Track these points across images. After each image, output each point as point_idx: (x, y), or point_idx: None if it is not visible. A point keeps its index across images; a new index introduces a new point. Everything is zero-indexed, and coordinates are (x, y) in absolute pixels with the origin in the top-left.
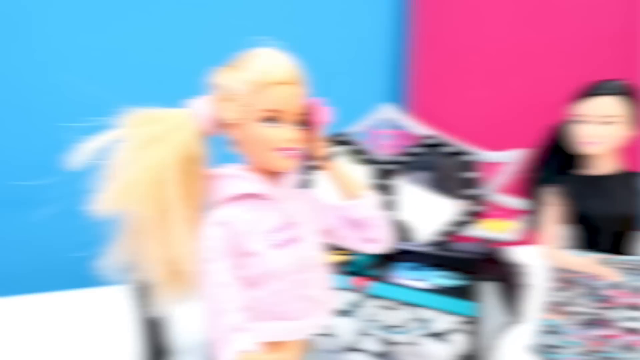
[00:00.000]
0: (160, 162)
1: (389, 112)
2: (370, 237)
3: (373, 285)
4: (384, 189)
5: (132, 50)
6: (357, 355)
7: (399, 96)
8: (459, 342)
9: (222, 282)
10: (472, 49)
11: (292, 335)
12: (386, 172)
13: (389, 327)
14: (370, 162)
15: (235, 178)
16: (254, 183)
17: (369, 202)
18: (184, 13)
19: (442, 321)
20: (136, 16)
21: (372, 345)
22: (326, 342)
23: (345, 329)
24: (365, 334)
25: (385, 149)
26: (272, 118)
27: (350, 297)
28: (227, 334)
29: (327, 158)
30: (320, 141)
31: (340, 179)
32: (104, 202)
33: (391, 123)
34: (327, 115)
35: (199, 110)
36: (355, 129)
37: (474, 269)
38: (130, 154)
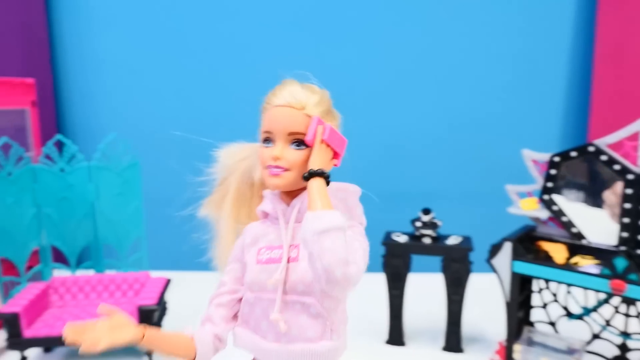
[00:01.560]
0: (226, 185)
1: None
2: (316, 267)
3: (630, 288)
4: (635, 199)
5: None
6: (590, 358)
7: (584, 115)
8: None
9: (222, 280)
10: None
11: (262, 355)
12: (637, 183)
13: (628, 333)
14: (622, 172)
15: (266, 198)
16: (270, 203)
17: (311, 228)
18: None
19: None
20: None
21: (607, 349)
22: (558, 343)
23: (581, 330)
24: (600, 337)
25: (636, 160)
26: (267, 139)
27: (591, 299)
28: (202, 320)
29: (308, 176)
30: (313, 159)
31: (310, 198)
32: (203, 208)
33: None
34: (324, 134)
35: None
36: (607, 139)
37: None
38: (219, 176)
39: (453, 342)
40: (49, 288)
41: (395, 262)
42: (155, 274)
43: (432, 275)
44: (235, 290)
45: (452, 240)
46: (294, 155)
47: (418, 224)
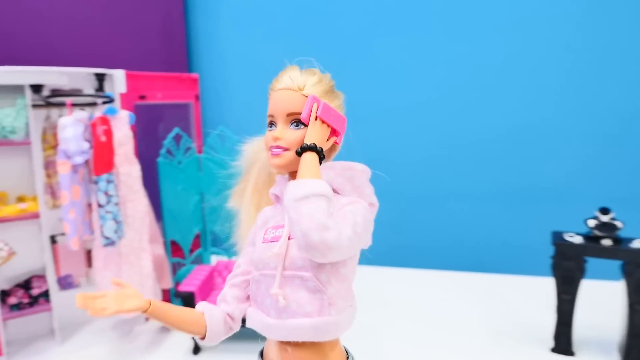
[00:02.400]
0: (248, 174)
1: None
2: (295, 232)
3: None
4: None
5: None
6: None
7: None
8: None
9: (237, 262)
10: None
11: (266, 332)
12: None
13: None
14: None
15: (277, 182)
16: (278, 186)
17: (291, 195)
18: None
19: None
20: None
21: None
22: None
23: None
24: None
25: None
26: (270, 123)
27: None
28: (217, 300)
29: (301, 151)
30: (308, 135)
31: (298, 170)
32: (230, 199)
33: None
34: (317, 110)
35: None
36: None
37: None
38: (243, 168)
39: (635, 356)
40: (214, 271)
41: (567, 265)
42: None
43: (602, 282)
44: (249, 271)
45: (638, 244)
46: (292, 134)
47: (593, 223)
